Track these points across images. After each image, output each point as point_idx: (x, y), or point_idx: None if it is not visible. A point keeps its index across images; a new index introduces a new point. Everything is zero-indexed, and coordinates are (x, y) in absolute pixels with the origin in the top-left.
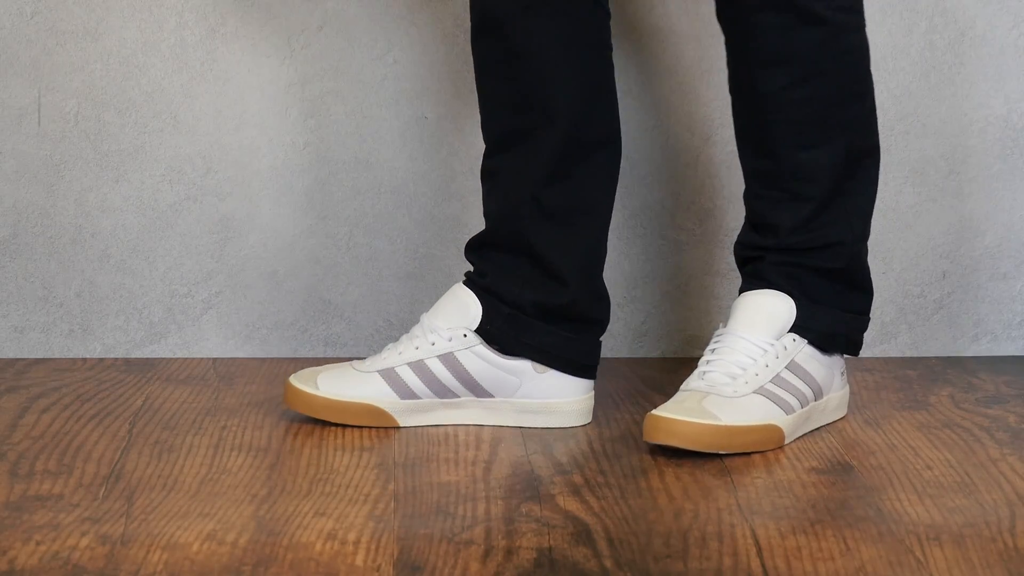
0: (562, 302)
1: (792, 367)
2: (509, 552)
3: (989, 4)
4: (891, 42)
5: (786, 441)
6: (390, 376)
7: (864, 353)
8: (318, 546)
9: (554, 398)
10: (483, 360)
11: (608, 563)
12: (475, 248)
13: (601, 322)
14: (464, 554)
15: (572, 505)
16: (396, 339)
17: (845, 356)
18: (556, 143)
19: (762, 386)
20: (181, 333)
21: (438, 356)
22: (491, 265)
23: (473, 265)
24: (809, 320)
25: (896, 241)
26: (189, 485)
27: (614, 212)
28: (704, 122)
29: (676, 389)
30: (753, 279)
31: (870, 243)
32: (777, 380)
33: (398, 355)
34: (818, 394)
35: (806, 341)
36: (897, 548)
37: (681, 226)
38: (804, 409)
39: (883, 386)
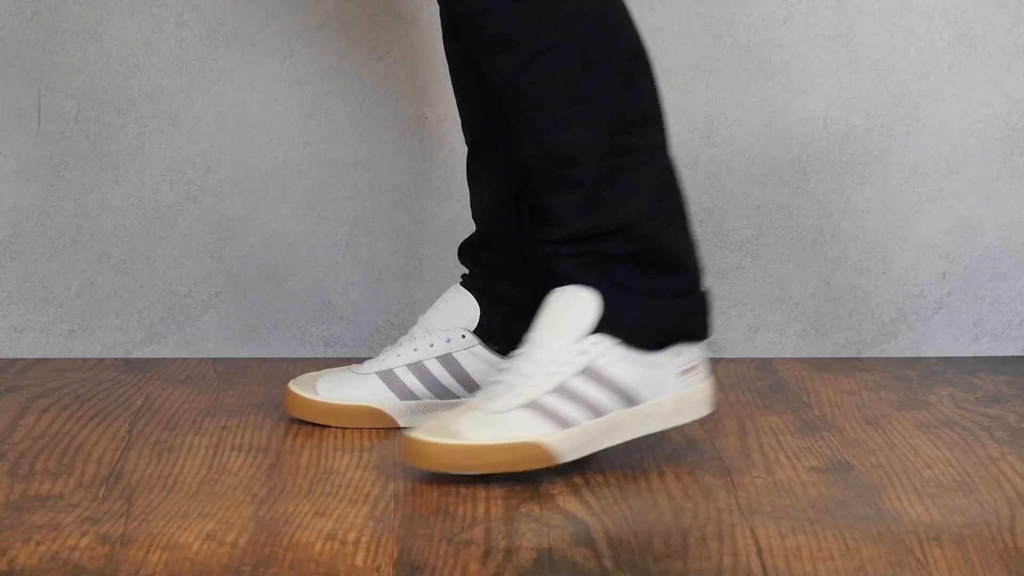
0: None
1: (589, 373)
2: (509, 552)
3: (989, 4)
4: (891, 42)
5: (564, 459)
6: (388, 378)
7: (864, 353)
8: (318, 546)
9: None
10: (482, 361)
11: (608, 563)
12: (467, 251)
13: None
14: (464, 554)
15: (572, 505)
16: (395, 340)
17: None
18: None
19: (535, 399)
20: (181, 333)
21: (437, 357)
22: (484, 266)
23: (467, 268)
24: (615, 314)
25: (896, 241)
26: (189, 485)
27: None
28: (704, 122)
29: None
30: (557, 276)
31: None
32: (561, 390)
33: (396, 357)
34: (629, 400)
35: (616, 340)
36: (897, 548)
37: None
38: (598, 420)
39: (883, 386)
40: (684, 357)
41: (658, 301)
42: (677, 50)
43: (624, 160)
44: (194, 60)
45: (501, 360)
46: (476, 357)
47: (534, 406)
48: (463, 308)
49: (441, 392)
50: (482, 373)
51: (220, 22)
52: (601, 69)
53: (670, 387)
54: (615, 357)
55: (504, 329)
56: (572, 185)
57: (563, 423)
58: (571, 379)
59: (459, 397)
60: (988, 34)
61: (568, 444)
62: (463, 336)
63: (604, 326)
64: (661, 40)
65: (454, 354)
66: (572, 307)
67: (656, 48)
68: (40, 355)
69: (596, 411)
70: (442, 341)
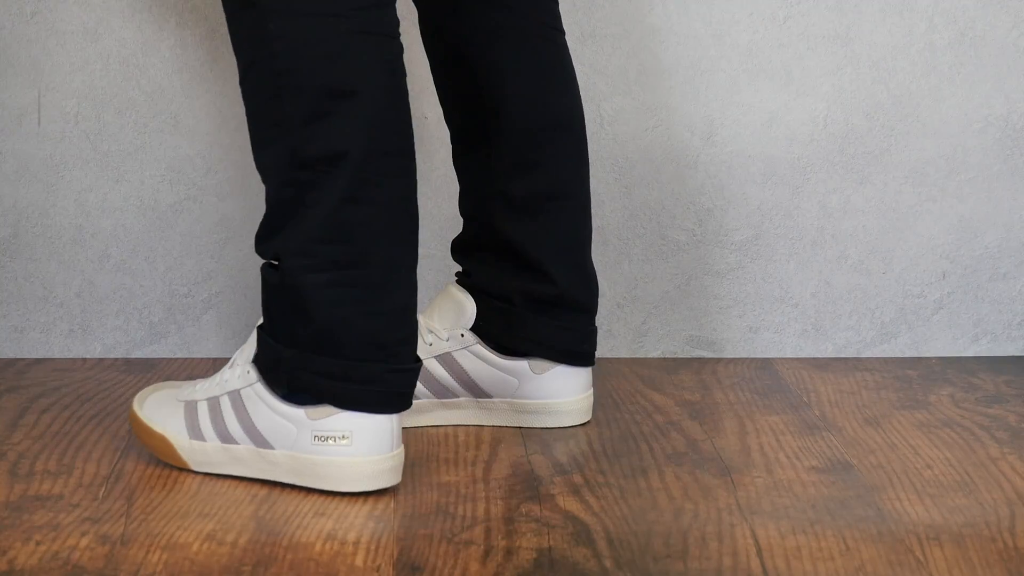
0: (548, 291)
1: (234, 398)
2: (509, 552)
3: (989, 4)
4: (891, 42)
5: (196, 468)
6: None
7: (864, 353)
8: (318, 546)
9: (552, 398)
10: (481, 360)
11: (608, 563)
12: (458, 249)
13: (590, 307)
14: (464, 554)
15: (572, 505)
16: None
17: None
18: (508, 134)
19: (193, 401)
20: (181, 333)
21: (436, 357)
22: (476, 264)
23: (460, 265)
24: (260, 350)
25: (896, 241)
26: (189, 485)
27: (614, 212)
28: (704, 122)
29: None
30: None
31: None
32: (211, 404)
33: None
34: (259, 440)
35: (259, 376)
36: (897, 548)
37: (681, 226)
38: (225, 446)
39: (883, 386)
40: (326, 423)
41: (290, 350)
42: (677, 50)
43: (299, 194)
44: (194, 60)
45: (500, 360)
46: (475, 357)
47: (190, 407)
48: (461, 307)
49: (441, 392)
50: (481, 373)
51: (220, 22)
52: (291, 97)
53: (303, 445)
54: (254, 393)
55: (500, 325)
56: (267, 203)
57: (197, 435)
58: (222, 397)
59: (458, 397)
60: (988, 34)
61: (195, 455)
62: (462, 335)
63: (255, 359)
64: (661, 40)
65: (453, 353)
66: (254, 333)
67: (656, 48)
68: (40, 355)
69: (224, 437)
70: (441, 341)
